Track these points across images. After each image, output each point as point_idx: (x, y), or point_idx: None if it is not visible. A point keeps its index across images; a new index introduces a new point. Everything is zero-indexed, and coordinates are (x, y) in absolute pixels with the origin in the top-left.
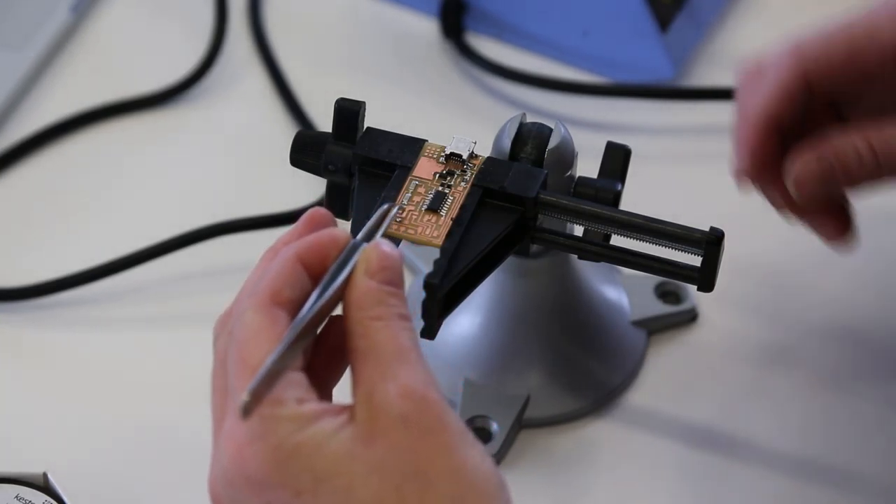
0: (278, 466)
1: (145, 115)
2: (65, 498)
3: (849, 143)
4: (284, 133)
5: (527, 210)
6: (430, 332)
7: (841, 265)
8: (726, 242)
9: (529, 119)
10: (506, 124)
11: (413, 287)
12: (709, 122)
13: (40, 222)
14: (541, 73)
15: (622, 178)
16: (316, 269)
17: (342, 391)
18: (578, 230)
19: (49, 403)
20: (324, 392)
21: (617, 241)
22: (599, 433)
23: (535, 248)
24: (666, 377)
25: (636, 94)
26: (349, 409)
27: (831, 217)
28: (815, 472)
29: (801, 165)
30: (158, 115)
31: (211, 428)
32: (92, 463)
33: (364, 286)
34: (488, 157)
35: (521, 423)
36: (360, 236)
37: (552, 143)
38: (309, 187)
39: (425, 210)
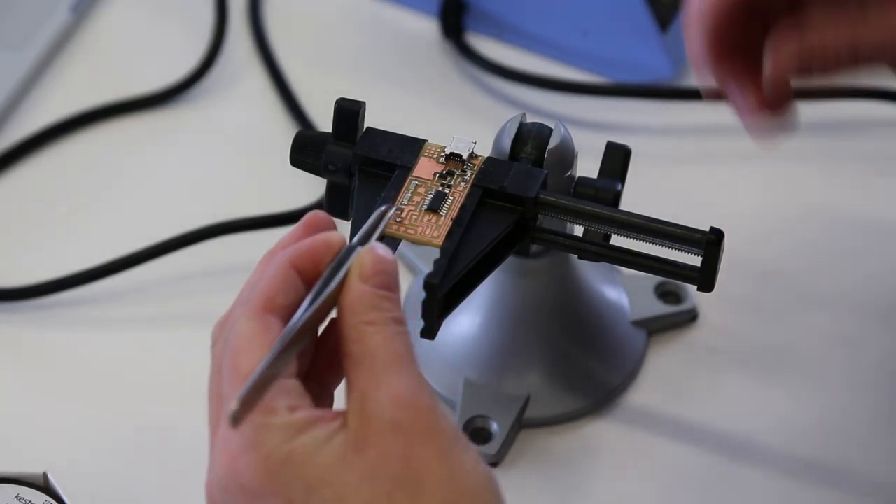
0: (270, 475)
1: (145, 115)
2: (65, 498)
3: (831, 38)
4: (284, 133)
5: (527, 210)
6: (430, 332)
7: (841, 265)
8: (726, 242)
9: (529, 119)
10: (506, 124)
11: (413, 287)
12: (709, 122)
13: (40, 222)
14: (541, 73)
15: (622, 178)
16: (310, 275)
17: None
18: (578, 230)
19: (49, 403)
20: (325, 394)
21: (617, 241)
22: (599, 433)
23: (535, 248)
24: (666, 377)
25: (636, 94)
26: (342, 416)
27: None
28: (814, 472)
29: (783, 59)
30: (158, 115)
31: (208, 432)
32: (92, 463)
33: (358, 290)
34: (488, 157)
35: (521, 423)
36: (355, 239)
37: (552, 143)
38: (309, 187)
39: (425, 210)
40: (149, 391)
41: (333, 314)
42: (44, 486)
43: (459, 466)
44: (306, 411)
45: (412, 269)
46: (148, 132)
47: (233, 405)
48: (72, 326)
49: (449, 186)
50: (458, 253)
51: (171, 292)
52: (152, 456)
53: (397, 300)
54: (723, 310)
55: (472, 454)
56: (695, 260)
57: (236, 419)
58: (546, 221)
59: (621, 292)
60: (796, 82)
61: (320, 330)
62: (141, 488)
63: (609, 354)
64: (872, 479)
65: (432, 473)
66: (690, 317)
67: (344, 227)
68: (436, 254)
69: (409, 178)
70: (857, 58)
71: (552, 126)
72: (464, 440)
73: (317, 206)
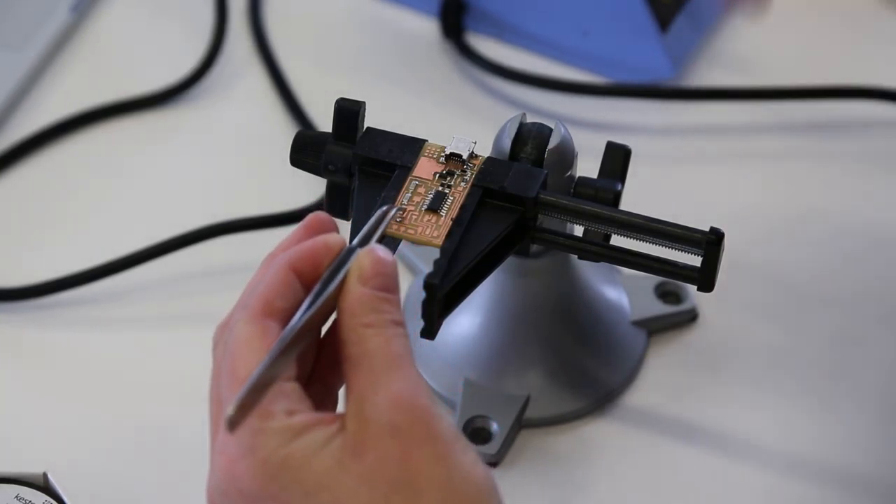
0: (268, 480)
1: (145, 115)
2: (65, 498)
3: None
4: (284, 133)
5: (527, 210)
6: (430, 332)
7: (841, 265)
8: (726, 242)
9: (529, 119)
10: (506, 124)
11: (413, 287)
12: (709, 122)
13: (40, 222)
14: (541, 73)
15: (622, 178)
16: (309, 278)
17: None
18: (578, 230)
19: (49, 403)
20: (329, 396)
21: (617, 241)
22: (599, 433)
23: (535, 248)
24: (666, 377)
25: (636, 94)
26: (340, 419)
27: None
28: (814, 472)
29: None
30: (158, 115)
31: (209, 435)
32: (92, 463)
33: (357, 293)
34: (488, 157)
35: (521, 423)
36: (355, 241)
37: (552, 143)
38: (309, 187)
39: (425, 210)
40: (149, 391)
41: (335, 316)
42: (44, 486)
43: (457, 469)
44: (304, 415)
45: (412, 269)
46: (148, 132)
47: (229, 410)
48: (72, 326)
49: (449, 186)
50: (458, 253)
51: (171, 292)
52: (152, 456)
53: (397, 302)
54: (723, 310)
55: (470, 456)
56: (695, 260)
57: (233, 423)
58: (546, 221)
59: (621, 292)
60: None
61: (323, 331)
62: (141, 488)
63: (609, 354)
64: (872, 479)
65: (429, 477)
66: (690, 317)
67: (344, 227)
68: (436, 254)
69: (409, 178)
70: None
71: (552, 126)
72: (462, 442)
73: (317, 206)
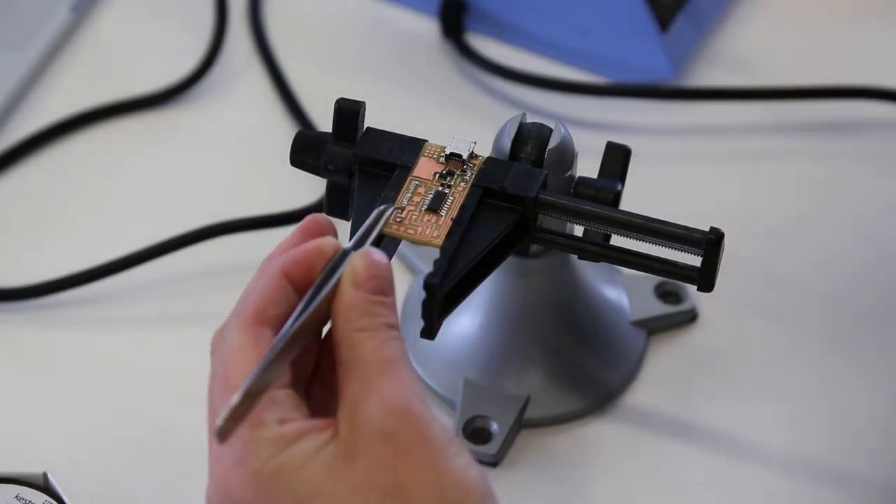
0: (261, 489)
1: (145, 115)
2: (65, 498)
3: None
4: (284, 133)
5: (527, 210)
6: (429, 332)
7: (840, 265)
8: (726, 242)
9: (529, 119)
10: (506, 124)
11: (413, 287)
12: (709, 122)
13: (40, 222)
14: (541, 73)
15: (622, 178)
16: (302, 283)
17: None
18: (578, 230)
19: (49, 403)
20: (330, 397)
21: (617, 241)
22: (599, 433)
23: (535, 248)
24: (666, 377)
25: (636, 94)
26: (333, 426)
27: None
28: (814, 472)
29: None
30: (158, 115)
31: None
32: (92, 463)
33: (350, 297)
34: (488, 157)
35: (521, 423)
36: (350, 244)
37: (552, 143)
38: (309, 187)
39: (425, 210)
40: (149, 391)
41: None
42: (44, 486)
43: (449, 474)
44: (296, 423)
45: (412, 269)
46: (148, 132)
47: (218, 420)
48: (72, 326)
49: (449, 186)
50: (458, 253)
51: (171, 292)
52: (152, 456)
53: (391, 304)
54: (723, 310)
55: (463, 460)
56: (695, 260)
57: (222, 434)
58: (546, 221)
59: (621, 292)
60: None
61: (324, 332)
62: (141, 488)
63: (609, 354)
64: (872, 479)
65: (421, 482)
66: (690, 317)
67: (344, 227)
68: (436, 254)
69: (409, 178)
70: None
71: (552, 126)
72: (455, 446)
73: (317, 206)
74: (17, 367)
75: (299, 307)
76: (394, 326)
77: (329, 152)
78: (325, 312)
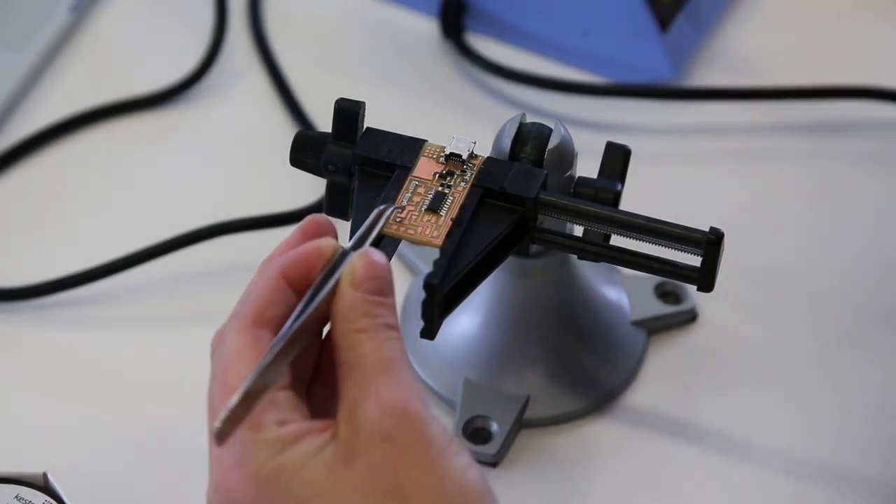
0: (260, 491)
1: (145, 115)
2: (65, 498)
3: None
4: (284, 133)
5: (527, 210)
6: (429, 332)
7: (840, 266)
8: (726, 242)
9: (529, 119)
10: (506, 124)
11: (413, 287)
12: (709, 122)
13: (40, 222)
14: (541, 73)
15: (622, 178)
16: (301, 284)
17: None
18: (578, 230)
19: (49, 403)
20: (331, 397)
21: (617, 241)
22: (599, 433)
23: (535, 248)
24: (666, 377)
25: (636, 94)
26: (333, 427)
27: None
28: (814, 472)
29: None
30: (158, 115)
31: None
32: (92, 463)
33: (349, 297)
34: (488, 157)
35: (521, 423)
36: (349, 244)
37: (552, 143)
38: (309, 187)
39: (425, 210)
40: (149, 391)
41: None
42: (44, 486)
43: (448, 474)
44: (295, 424)
45: (412, 269)
46: (148, 132)
47: (215, 423)
48: (72, 326)
49: (449, 186)
50: (458, 253)
51: (171, 292)
52: (152, 456)
53: (390, 305)
54: (723, 310)
55: (462, 460)
56: (695, 260)
57: (220, 436)
58: (546, 221)
59: (621, 292)
60: None
61: (324, 332)
62: (141, 488)
63: (609, 354)
64: (872, 479)
65: (420, 483)
66: (690, 317)
67: (344, 227)
68: (436, 254)
69: (409, 178)
70: None
71: (552, 126)
72: (454, 446)
73: (317, 206)
74: (17, 367)
75: (298, 308)
76: (393, 327)
77: (329, 152)
78: (325, 313)
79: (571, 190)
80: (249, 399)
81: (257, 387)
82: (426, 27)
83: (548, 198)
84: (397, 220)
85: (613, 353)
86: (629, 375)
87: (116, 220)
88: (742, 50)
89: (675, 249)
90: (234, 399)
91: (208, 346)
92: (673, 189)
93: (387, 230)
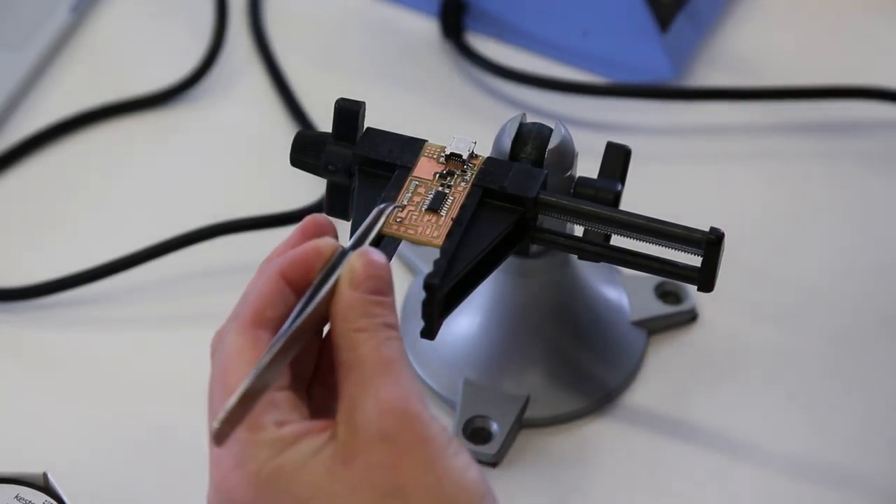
0: (260, 492)
1: (145, 115)
2: (65, 498)
3: None
4: (284, 133)
5: (527, 210)
6: (429, 332)
7: (840, 266)
8: (726, 243)
9: (529, 119)
10: (506, 124)
11: (413, 287)
12: (709, 122)
13: (40, 222)
14: (541, 73)
15: (622, 178)
16: (301, 284)
17: None
18: (578, 230)
19: (49, 403)
20: (332, 397)
21: (617, 241)
22: (599, 433)
23: (535, 248)
24: (666, 377)
25: (636, 94)
26: (332, 427)
27: None
28: (814, 473)
29: None
30: (158, 115)
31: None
32: (92, 463)
33: (348, 297)
34: (488, 157)
35: (521, 423)
36: (349, 243)
37: (552, 143)
38: (309, 187)
39: (425, 210)
40: (149, 391)
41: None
42: (44, 486)
43: (447, 474)
44: (294, 425)
45: (412, 269)
46: (148, 132)
47: (214, 423)
48: (72, 326)
49: (449, 186)
50: (458, 253)
51: (171, 292)
52: (152, 456)
53: (390, 304)
54: (723, 310)
55: (462, 460)
56: (695, 260)
57: (218, 437)
58: (546, 221)
59: (621, 292)
60: None
61: (324, 332)
62: (141, 488)
63: (609, 354)
64: (872, 479)
65: (419, 483)
66: (690, 317)
67: (344, 227)
68: (436, 254)
69: (409, 178)
70: None
71: (552, 126)
72: (454, 446)
73: (317, 206)
74: (17, 367)
75: (297, 308)
76: (392, 326)
77: (329, 152)
78: (324, 313)
79: (571, 190)
80: (248, 399)
81: (256, 387)
82: (426, 27)
83: (548, 198)
84: (397, 220)
85: (613, 353)
86: (629, 375)
87: (116, 220)
88: (742, 50)
89: (676, 249)
90: (233, 399)
91: (208, 346)
92: (673, 189)
93: (387, 230)
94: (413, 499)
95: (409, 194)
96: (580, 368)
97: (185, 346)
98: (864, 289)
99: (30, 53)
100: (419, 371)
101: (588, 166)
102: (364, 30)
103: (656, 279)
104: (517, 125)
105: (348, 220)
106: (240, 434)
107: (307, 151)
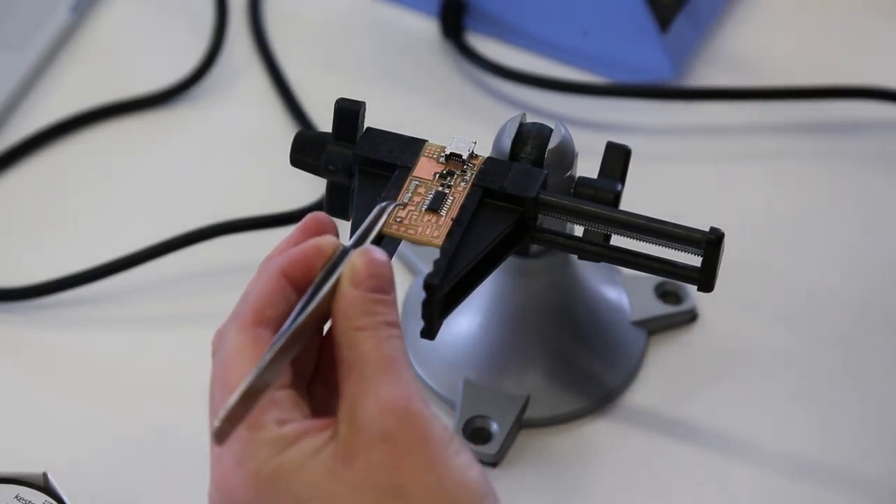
0: (260, 491)
1: (145, 115)
2: (65, 498)
3: None
4: (284, 133)
5: (527, 210)
6: (429, 332)
7: (840, 266)
8: (726, 242)
9: (529, 119)
10: (506, 124)
11: (413, 287)
12: (709, 122)
13: (40, 222)
14: (541, 73)
15: (622, 178)
16: (302, 283)
17: None
18: (578, 230)
19: (49, 403)
20: (332, 395)
21: (617, 241)
22: (599, 433)
23: (535, 248)
24: (666, 377)
25: (636, 94)
26: (333, 426)
27: None
28: (814, 473)
29: None
30: (158, 115)
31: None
32: (92, 463)
33: (349, 295)
34: (488, 157)
35: (521, 423)
36: (350, 242)
37: (552, 143)
38: (309, 187)
39: (425, 210)
40: (149, 391)
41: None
42: (44, 486)
43: (448, 474)
44: (295, 424)
45: (412, 269)
46: (148, 132)
47: (215, 422)
48: (72, 326)
49: (449, 186)
50: (458, 253)
51: (171, 292)
52: (152, 456)
53: (391, 302)
54: (723, 310)
55: (463, 459)
56: (695, 260)
57: (219, 435)
58: (546, 221)
59: (621, 292)
60: None
61: (325, 330)
62: (141, 488)
63: (609, 354)
64: (872, 479)
65: (420, 482)
66: (690, 317)
67: (344, 227)
68: (436, 254)
69: (409, 178)
70: None
71: (552, 126)
72: (454, 445)
73: (317, 206)
74: (17, 367)
75: (298, 307)
76: (394, 324)
77: (329, 152)
78: (325, 311)
79: (571, 190)
80: (249, 398)
81: (257, 385)
82: (426, 27)
83: (548, 198)
84: (397, 219)
85: (613, 353)
86: (629, 375)
87: (116, 220)
88: (742, 50)
89: (675, 249)
90: (233, 398)
91: (208, 346)
92: (673, 189)
93: (387, 230)
94: (414, 498)
95: (409, 194)
96: (580, 368)
97: (185, 346)
98: (864, 289)
99: (30, 53)
100: (419, 371)
101: (588, 166)
102: (364, 30)
103: (656, 279)
104: (517, 125)
105: (348, 220)
106: (240, 433)
107: (307, 151)
